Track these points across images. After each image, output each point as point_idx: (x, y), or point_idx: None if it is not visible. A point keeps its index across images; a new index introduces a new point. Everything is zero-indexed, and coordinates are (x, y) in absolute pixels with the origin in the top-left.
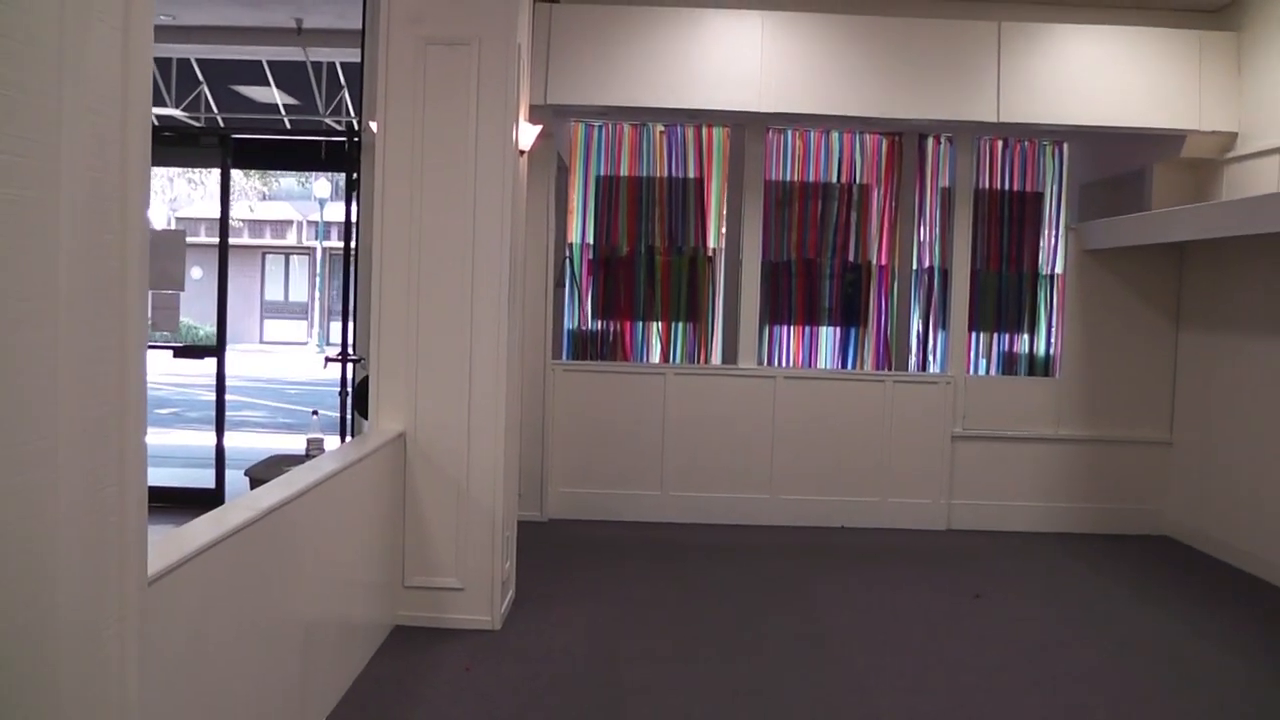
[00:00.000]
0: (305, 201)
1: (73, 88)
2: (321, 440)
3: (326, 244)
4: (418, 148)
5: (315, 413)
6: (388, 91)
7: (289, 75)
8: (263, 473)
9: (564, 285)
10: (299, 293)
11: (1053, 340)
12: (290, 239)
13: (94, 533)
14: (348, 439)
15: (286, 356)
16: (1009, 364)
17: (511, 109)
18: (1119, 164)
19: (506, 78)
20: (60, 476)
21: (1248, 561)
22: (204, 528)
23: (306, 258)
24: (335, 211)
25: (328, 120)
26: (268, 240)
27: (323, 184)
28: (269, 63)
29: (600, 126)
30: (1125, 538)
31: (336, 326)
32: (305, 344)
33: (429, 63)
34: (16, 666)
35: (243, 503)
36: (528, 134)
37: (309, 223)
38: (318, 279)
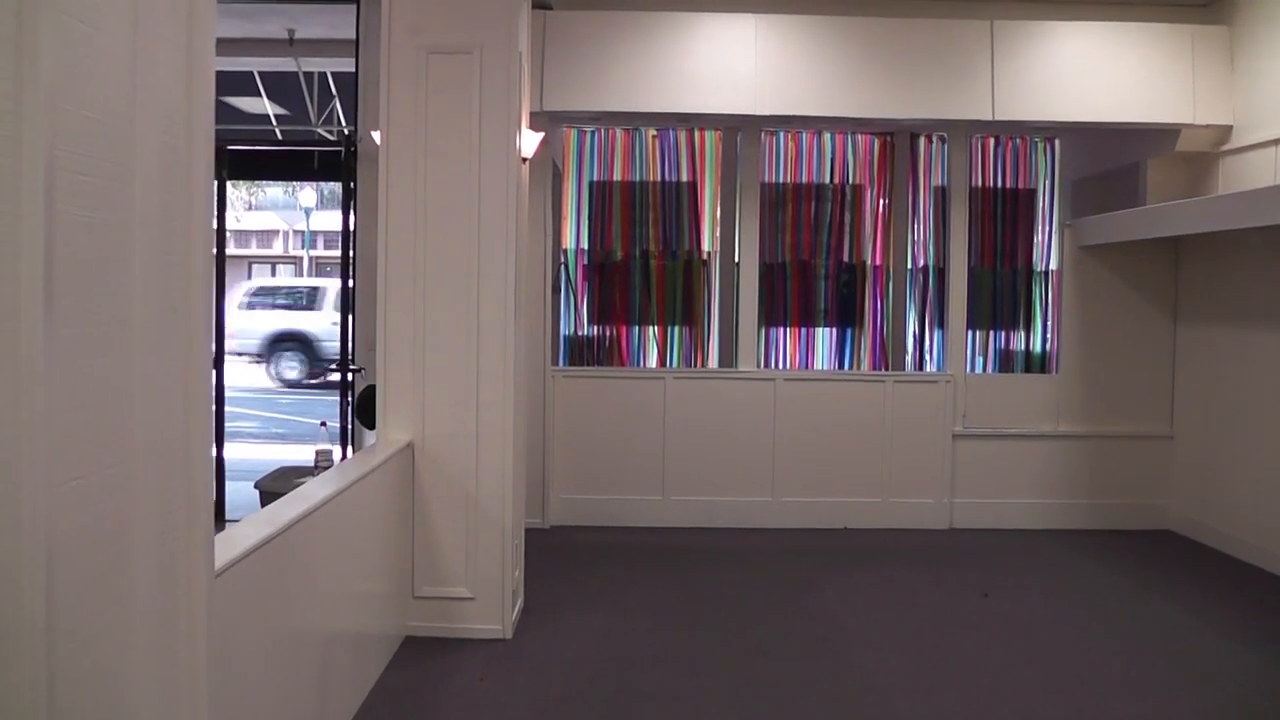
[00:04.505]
0: (291, 211)
1: (144, 109)
2: (330, 452)
3: (313, 253)
4: (421, 157)
5: (324, 424)
6: (390, 101)
7: (280, 86)
8: (273, 485)
9: (559, 291)
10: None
11: (1049, 337)
12: (277, 248)
13: (165, 558)
14: (349, 449)
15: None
16: (1006, 361)
17: (514, 117)
18: (1112, 159)
19: (509, 85)
20: (136, 501)
21: (1254, 554)
22: (222, 546)
23: (293, 267)
24: (321, 220)
25: (320, 130)
26: (254, 250)
27: (309, 193)
28: (260, 73)
29: (593, 131)
30: (1129, 533)
31: None
32: None
33: (431, 71)
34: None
35: (261, 517)
36: (530, 141)
37: (295, 232)
38: None
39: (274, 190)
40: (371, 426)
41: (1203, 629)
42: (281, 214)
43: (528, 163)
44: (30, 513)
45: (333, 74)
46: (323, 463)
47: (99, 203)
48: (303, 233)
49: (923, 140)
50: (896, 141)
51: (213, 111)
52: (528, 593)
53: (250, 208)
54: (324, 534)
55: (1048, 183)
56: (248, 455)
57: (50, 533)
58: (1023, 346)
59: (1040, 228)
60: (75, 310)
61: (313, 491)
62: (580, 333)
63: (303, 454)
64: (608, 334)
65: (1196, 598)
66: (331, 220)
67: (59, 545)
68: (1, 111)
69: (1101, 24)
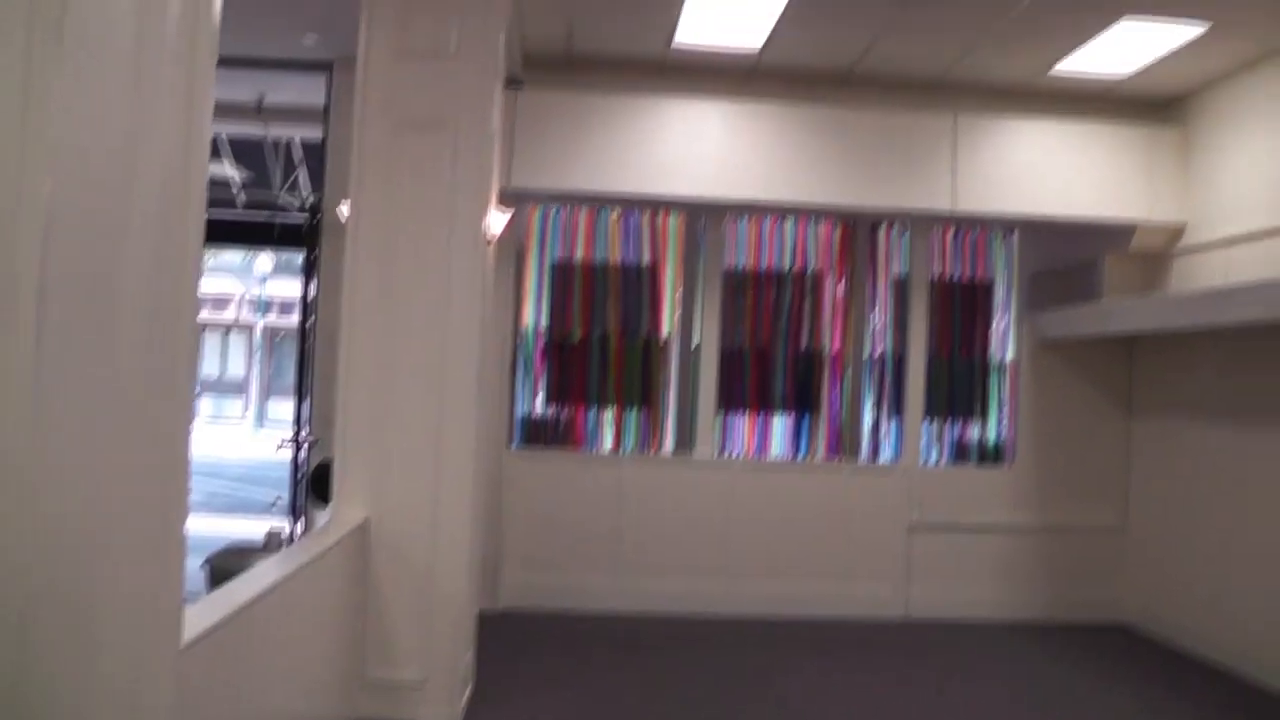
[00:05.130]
0: (246, 276)
1: (144, 169)
2: (281, 531)
3: (267, 320)
4: (390, 231)
5: (277, 499)
6: (361, 174)
7: (244, 150)
8: (223, 562)
9: (516, 370)
10: (237, 368)
11: (1004, 428)
12: (229, 314)
13: (137, 619)
14: (299, 524)
15: (223, 434)
16: (961, 452)
17: (486, 195)
18: (1069, 254)
19: (481, 164)
20: (119, 574)
21: (1208, 649)
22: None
23: (245, 334)
24: (277, 287)
25: (282, 197)
26: (207, 315)
27: (265, 259)
28: (224, 137)
29: (557, 210)
30: (1085, 625)
31: (274, 405)
32: (242, 421)
33: (403, 146)
34: None
35: (216, 599)
36: (499, 220)
37: (250, 298)
38: (256, 355)
39: (229, 254)
40: (325, 501)
41: None
42: (237, 279)
43: (494, 241)
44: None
45: (300, 142)
46: (274, 541)
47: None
48: (257, 299)
49: (883, 229)
50: (857, 230)
51: (205, 173)
52: (478, 676)
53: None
54: (278, 616)
55: (1006, 275)
56: (199, 529)
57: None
58: (978, 437)
59: (998, 320)
60: (63, 376)
61: (267, 572)
62: (536, 413)
63: (251, 528)
64: (563, 415)
65: (1153, 693)
66: (286, 288)
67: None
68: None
69: (1062, 122)
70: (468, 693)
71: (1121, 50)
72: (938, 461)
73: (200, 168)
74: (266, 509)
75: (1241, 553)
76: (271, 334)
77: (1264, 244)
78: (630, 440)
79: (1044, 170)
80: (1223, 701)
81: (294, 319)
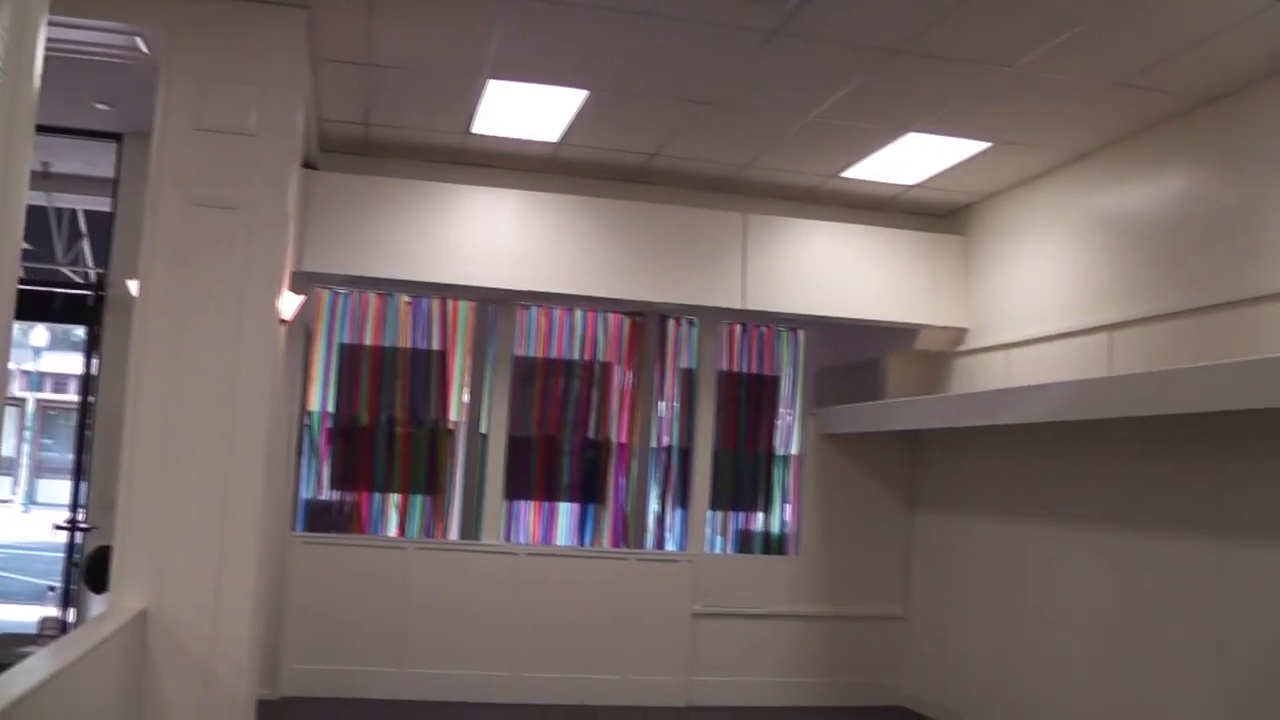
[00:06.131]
0: (19, 349)
1: None
2: (56, 619)
3: (39, 395)
4: (179, 310)
5: (52, 588)
6: (151, 250)
7: (26, 219)
8: None
9: (302, 453)
10: (5, 446)
11: (788, 519)
12: None
13: None
14: (71, 613)
15: None
16: (745, 542)
17: (279, 277)
18: (855, 353)
19: (276, 246)
20: None
21: None
22: None
23: (17, 409)
24: (51, 362)
25: (65, 269)
26: None
27: (41, 332)
28: None
29: (346, 294)
30: (865, 709)
31: (45, 484)
32: (10, 501)
33: (196, 224)
34: None
35: None
36: (291, 303)
37: (22, 372)
38: (27, 432)
39: None
40: (99, 590)
41: None
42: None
43: (287, 324)
44: None
45: (84, 212)
46: (49, 630)
47: None
48: (30, 374)
49: (671, 322)
50: (646, 322)
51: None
52: None
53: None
54: (51, 711)
55: (792, 371)
56: None
57: None
58: (762, 528)
59: (783, 414)
60: None
61: (40, 665)
62: (321, 497)
63: (19, 615)
64: (348, 500)
65: None
66: (62, 363)
67: None
68: None
69: (850, 226)
70: None
71: (908, 160)
72: (723, 550)
73: (14, 238)
74: (40, 595)
75: (1013, 638)
76: (44, 410)
77: (1040, 348)
78: (415, 526)
79: (832, 271)
80: None
81: (70, 395)
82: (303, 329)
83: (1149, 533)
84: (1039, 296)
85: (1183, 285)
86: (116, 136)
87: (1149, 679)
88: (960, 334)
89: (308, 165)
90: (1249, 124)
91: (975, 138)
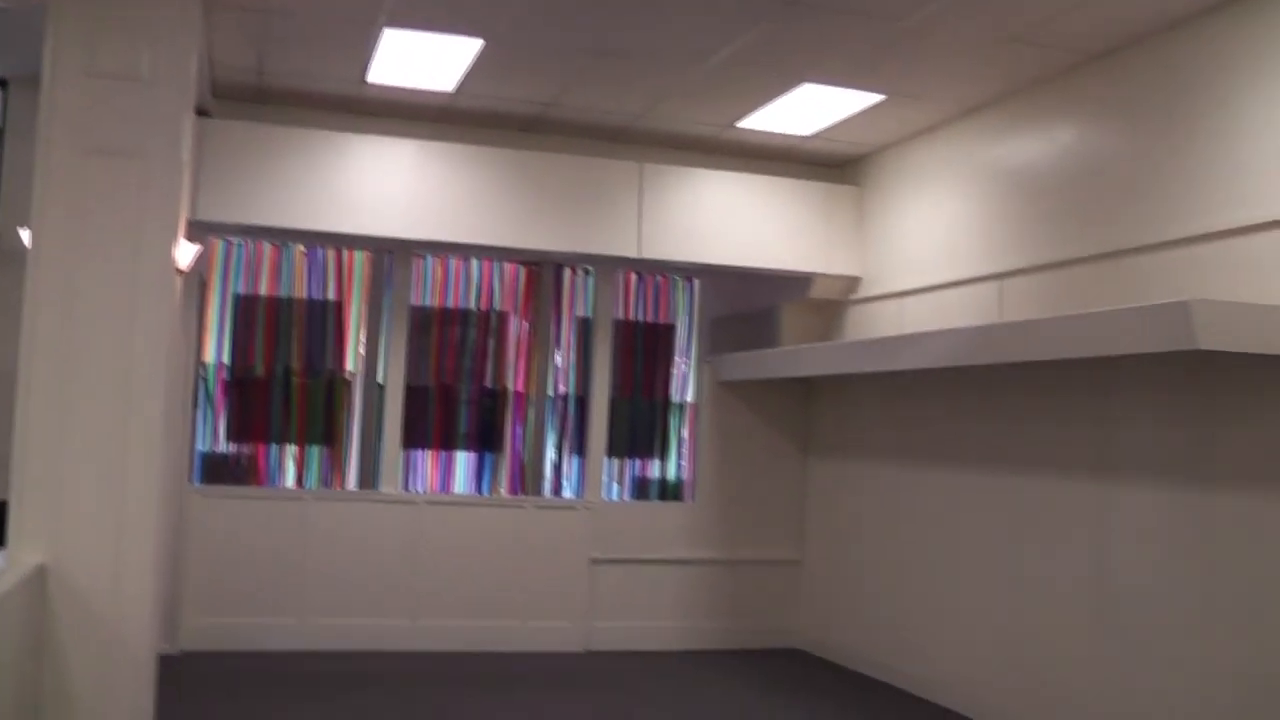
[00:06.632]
0: None
1: None
2: None
3: None
4: (73, 262)
5: None
6: (44, 200)
7: None
8: None
9: (197, 406)
10: None
11: (684, 466)
12: None
13: None
14: None
15: None
16: (642, 489)
17: (175, 225)
18: (750, 302)
19: (170, 193)
20: None
21: (874, 669)
22: None
23: None
24: None
25: None
26: None
27: None
28: None
29: (240, 244)
30: (762, 651)
31: None
32: None
33: (90, 173)
34: None
35: None
36: (187, 253)
37: None
38: None
39: None
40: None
41: None
42: None
43: (183, 274)
44: None
45: None
46: None
47: None
48: None
49: (567, 271)
50: (542, 271)
51: None
52: None
53: None
54: None
55: (687, 319)
56: None
57: None
58: (659, 475)
59: (679, 362)
60: None
61: None
62: (218, 449)
63: None
64: (245, 451)
65: (825, 711)
66: None
67: None
68: None
69: (745, 176)
70: None
71: (803, 111)
72: (619, 498)
73: None
74: None
75: (905, 580)
76: None
77: (933, 296)
78: (313, 477)
79: (727, 221)
80: (886, 713)
81: None
82: (197, 279)
83: (1034, 475)
84: (931, 246)
85: (1071, 236)
86: (1, 82)
87: (1034, 615)
88: (854, 282)
89: (201, 112)
90: (1137, 79)
91: (870, 90)
